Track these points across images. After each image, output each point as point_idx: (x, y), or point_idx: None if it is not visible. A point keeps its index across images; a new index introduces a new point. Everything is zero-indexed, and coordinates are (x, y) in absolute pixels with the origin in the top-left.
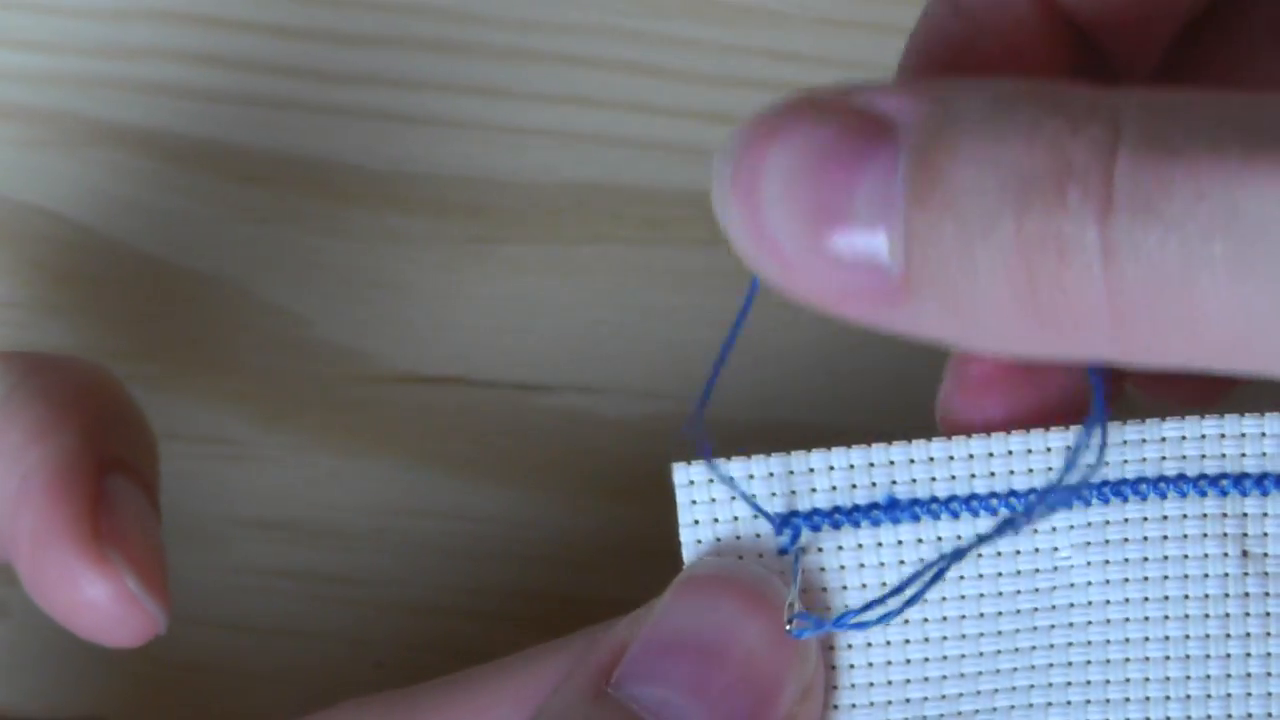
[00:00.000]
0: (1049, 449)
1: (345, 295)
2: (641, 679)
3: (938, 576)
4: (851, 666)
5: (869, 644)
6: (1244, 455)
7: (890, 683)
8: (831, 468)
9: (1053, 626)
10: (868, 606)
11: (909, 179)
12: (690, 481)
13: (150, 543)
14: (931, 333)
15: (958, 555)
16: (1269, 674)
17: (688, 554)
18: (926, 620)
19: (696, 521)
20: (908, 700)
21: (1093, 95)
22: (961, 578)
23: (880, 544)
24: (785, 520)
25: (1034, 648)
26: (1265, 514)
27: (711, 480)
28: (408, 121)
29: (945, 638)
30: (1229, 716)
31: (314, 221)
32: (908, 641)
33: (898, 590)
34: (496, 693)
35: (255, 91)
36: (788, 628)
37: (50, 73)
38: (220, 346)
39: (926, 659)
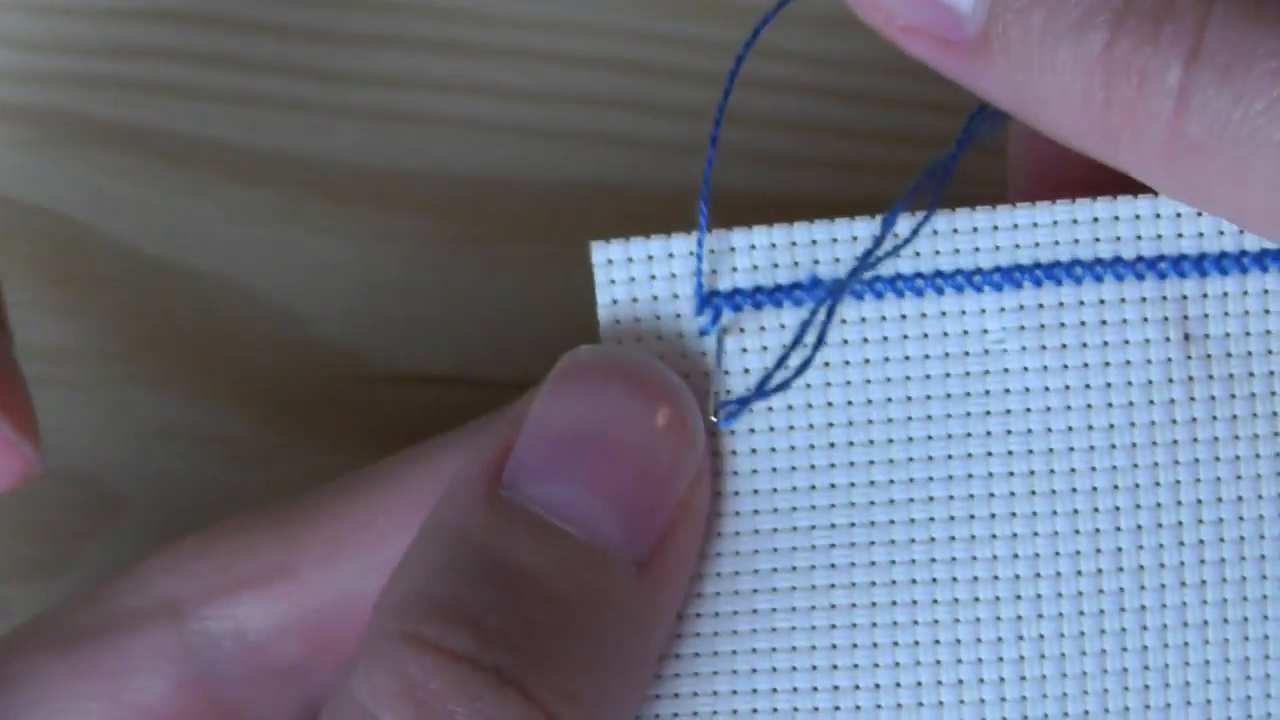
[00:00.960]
0: (975, 229)
1: (345, 295)
2: (537, 477)
3: (830, 314)
4: (772, 449)
5: (791, 426)
6: (1180, 236)
7: (814, 466)
8: (753, 246)
9: (987, 413)
10: (777, 370)
11: None
12: (609, 260)
13: (15, 382)
14: (986, 92)
15: (855, 274)
16: (1217, 458)
17: (606, 334)
18: (851, 403)
19: (615, 301)
20: (833, 486)
21: None
22: (887, 359)
23: (808, 357)
24: (706, 300)
25: (969, 434)
26: (1205, 295)
27: (631, 259)
28: (408, 121)
29: (871, 421)
30: (1179, 503)
31: (314, 221)
32: (831, 425)
33: (796, 344)
34: (396, 492)
35: (255, 91)
36: (714, 419)
37: (50, 73)
38: (220, 346)
39: (851, 442)
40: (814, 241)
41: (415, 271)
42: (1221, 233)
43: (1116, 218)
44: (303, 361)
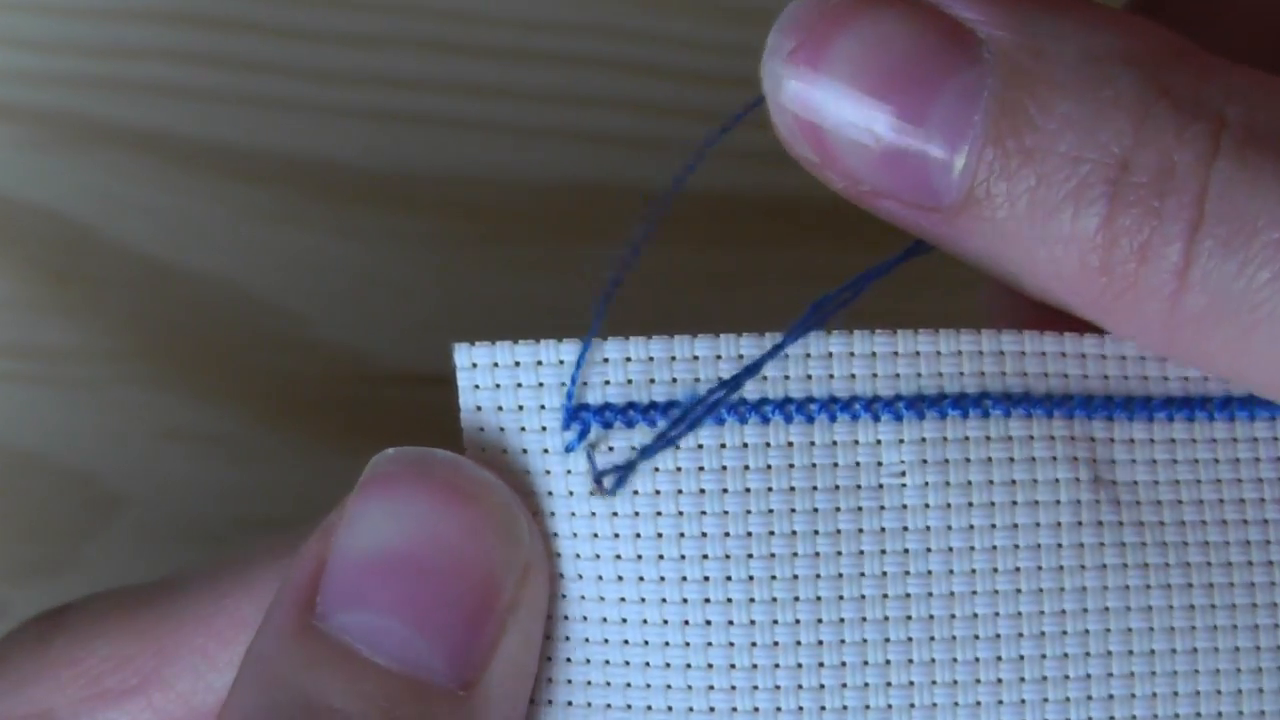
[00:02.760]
0: (874, 353)
1: (345, 295)
2: (347, 604)
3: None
4: (621, 599)
5: (663, 557)
6: (1086, 377)
7: (666, 622)
8: (629, 359)
9: (883, 552)
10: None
11: (992, 115)
12: (473, 364)
13: None
14: (962, 254)
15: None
16: (1127, 608)
17: (469, 440)
18: (728, 535)
19: (479, 408)
20: (707, 622)
21: (1196, 82)
22: (770, 490)
23: (679, 447)
24: (573, 414)
25: (862, 575)
26: (1113, 439)
27: (496, 365)
28: (408, 121)
29: (750, 555)
30: (1087, 654)
31: (315, 221)
32: (705, 556)
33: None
34: (256, 599)
35: (256, 91)
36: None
37: (50, 73)
38: (221, 346)
39: (729, 578)
40: (695, 357)
41: (415, 271)
42: (1126, 377)
43: (1023, 353)
44: (303, 361)
